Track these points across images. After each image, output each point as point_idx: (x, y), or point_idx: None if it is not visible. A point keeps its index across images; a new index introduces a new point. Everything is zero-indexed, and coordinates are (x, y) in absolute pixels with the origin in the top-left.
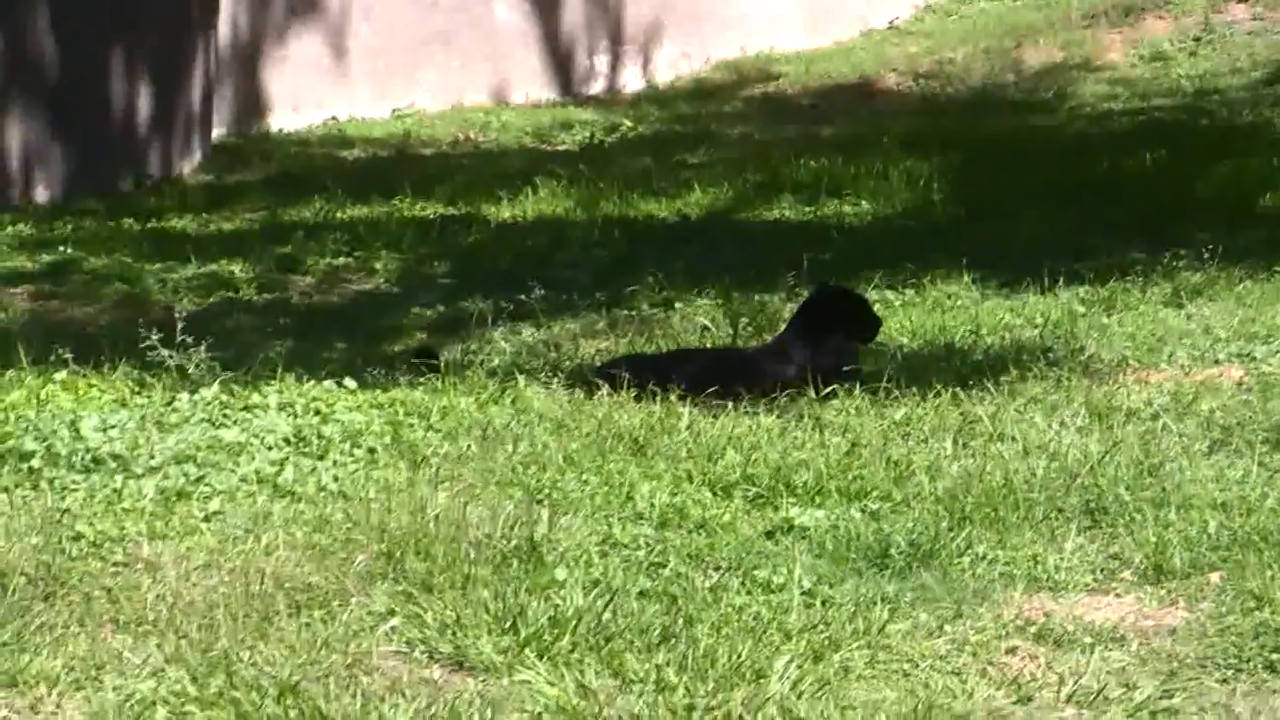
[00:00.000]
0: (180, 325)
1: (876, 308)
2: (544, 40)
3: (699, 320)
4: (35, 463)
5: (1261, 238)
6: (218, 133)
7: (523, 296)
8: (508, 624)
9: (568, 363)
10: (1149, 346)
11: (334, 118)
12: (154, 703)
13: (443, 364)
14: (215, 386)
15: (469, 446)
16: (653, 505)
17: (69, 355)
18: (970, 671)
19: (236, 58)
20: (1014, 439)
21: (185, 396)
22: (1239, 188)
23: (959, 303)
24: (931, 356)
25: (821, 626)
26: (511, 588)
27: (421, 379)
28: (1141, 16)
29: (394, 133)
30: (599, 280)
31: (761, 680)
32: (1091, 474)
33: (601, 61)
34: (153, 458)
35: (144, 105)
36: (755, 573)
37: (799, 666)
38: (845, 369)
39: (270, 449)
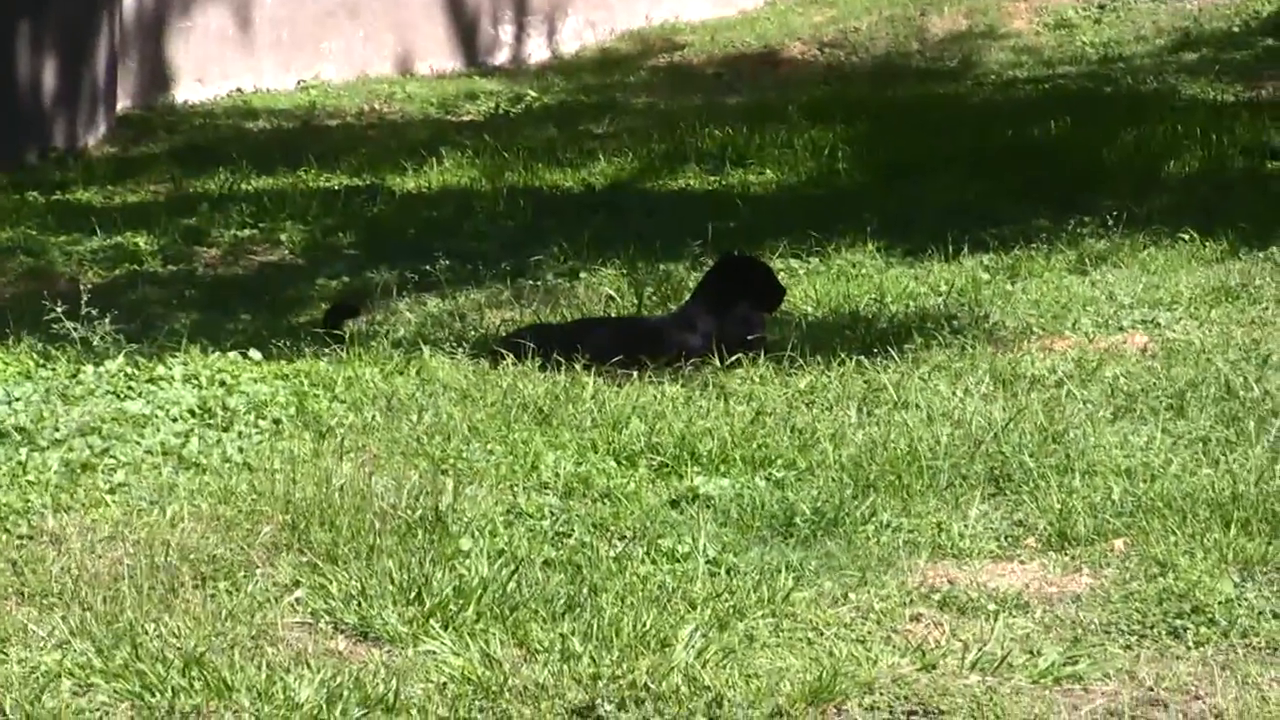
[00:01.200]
0: (85, 298)
1: (781, 276)
2: (449, 10)
3: (604, 290)
4: None
5: (1166, 204)
6: (123, 105)
7: (428, 267)
8: (413, 594)
9: (473, 333)
10: (1053, 314)
11: (239, 89)
12: (59, 675)
13: (347, 334)
14: (120, 359)
15: (374, 417)
16: (558, 475)
17: None
18: (875, 639)
19: (141, 29)
20: (918, 407)
21: (90, 369)
22: (1144, 155)
23: (864, 271)
24: (836, 325)
25: (726, 595)
26: (416, 558)
27: (329, 346)
28: None
29: (299, 104)
30: (504, 250)
31: (666, 649)
32: (996, 441)
33: (507, 32)
34: (57, 430)
35: (48, 78)
36: (660, 542)
37: (704, 635)
38: (750, 338)
39: (175, 421)
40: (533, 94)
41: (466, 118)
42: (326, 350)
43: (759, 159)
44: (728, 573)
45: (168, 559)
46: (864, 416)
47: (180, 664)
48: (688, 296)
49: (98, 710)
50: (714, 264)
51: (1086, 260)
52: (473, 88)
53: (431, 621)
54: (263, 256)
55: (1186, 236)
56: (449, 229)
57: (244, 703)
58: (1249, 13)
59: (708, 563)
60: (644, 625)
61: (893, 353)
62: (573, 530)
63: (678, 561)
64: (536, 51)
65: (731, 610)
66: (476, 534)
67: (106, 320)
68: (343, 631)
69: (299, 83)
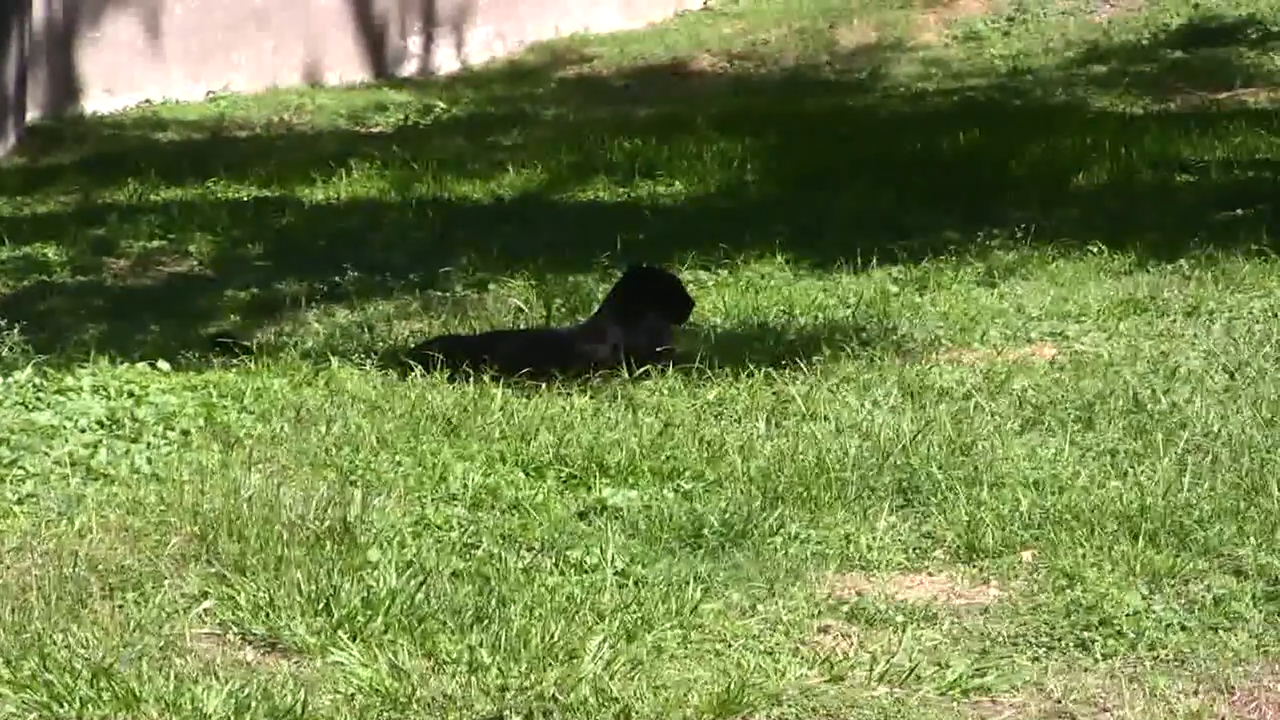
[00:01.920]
0: None
1: (690, 288)
2: (358, 21)
3: (513, 301)
4: None
5: (1075, 216)
6: (32, 116)
7: (337, 278)
8: (321, 605)
9: (382, 344)
10: (962, 326)
11: (148, 100)
12: None
13: (254, 345)
14: (29, 369)
15: (282, 428)
16: (466, 486)
17: None
18: (783, 650)
19: (51, 39)
20: (827, 418)
21: None
22: (1053, 167)
23: (772, 283)
24: (745, 336)
25: (634, 606)
26: (325, 569)
27: (234, 361)
28: None
29: (209, 115)
30: (414, 262)
31: (575, 660)
32: (904, 453)
33: (415, 43)
34: None
35: None
36: (568, 553)
37: (612, 646)
38: (659, 349)
39: (84, 431)
40: (442, 105)
41: (375, 129)
42: (235, 362)
43: (668, 170)
44: (636, 584)
45: (76, 570)
46: (772, 428)
47: (88, 675)
48: (596, 308)
49: None
50: (622, 275)
51: (995, 272)
52: (382, 99)
53: (340, 632)
54: (172, 267)
55: (1095, 249)
56: (358, 240)
57: (152, 713)
58: (1158, 25)
59: (616, 574)
60: (552, 636)
61: (801, 364)
62: (481, 541)
63: (586, 573)
64: (445, 63)
65: (640, 621)
66: (385, 545)
67: (15, 331)
68: (251, 642)
69: (208, 94)
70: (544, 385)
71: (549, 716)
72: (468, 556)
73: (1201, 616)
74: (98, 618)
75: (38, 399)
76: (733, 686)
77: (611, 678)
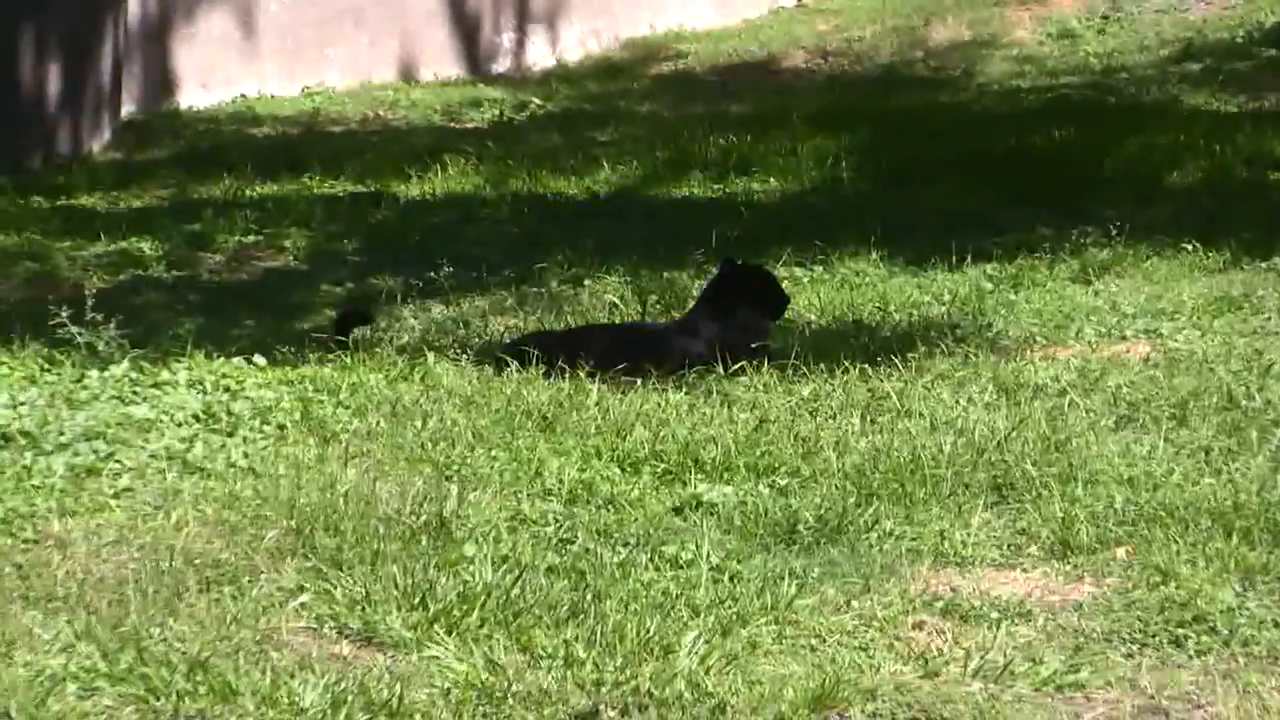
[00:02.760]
0: (90, 303)
1: (785, 284)
2: (452, 17)
3: (608, 297)
4: None
5: (1168, 214)
6: (127, 110)
7: (432, 274)
8: (417, 600)
9: (477, 340)
10: (1056, 323)
11: (243, 95)
12: (64, 678)
13: (351, 340)
14: (125, 363)
15: (378, 423)
16: (561, 481)
17: None
18: (877, 646)
19: (146, 35)
20: (921, 415)
21: (95, 374)
22: (1146, 165)
23: (867, 279)
24: (839, 333)
25: (729, 602)
26: (420, 564)
27: (333, 351)
28: None
29: (303, 110)
30: (508, 257)
31: (670, 655)
32: (998, 450)
33: (509, 39)
34: (62, 435)
35: (53, 84)
36: (663, 548)
37: (707, 642)
38: (753, 345)
39: (180, 425)
40: (536, 101)
41: (470, 125)
42: (331, 356)
43: (762, 167)
44: (731, 580)
45: (172, 564)
46: (867, 425)
47: (185, 668)
48: (691, 303)
49: (103, 714)
50: (717, 271)
51: (1089, 270)
52: (476, 95)
53: (435, 627)
54: (267, 262)
55: (1189, 246)
56: (452, 236)
57: (248, 707)
58: (1252, 24)
59: (711, 569)
60: (647, 631)
61: (896, 361)
62: (576, 536)
63: (681, 568)
64: (540, 59)
65: (735, 617)
66: (480, 540)
67: (111, 325)
68: (347, 636)
69: (303, 89)
70: (639, 381)
71: (644, 711)
72: (563, 552)
73: None
74: (194, 611)
75: (134, 393)
76: (827, 682)
77: (706, 673)
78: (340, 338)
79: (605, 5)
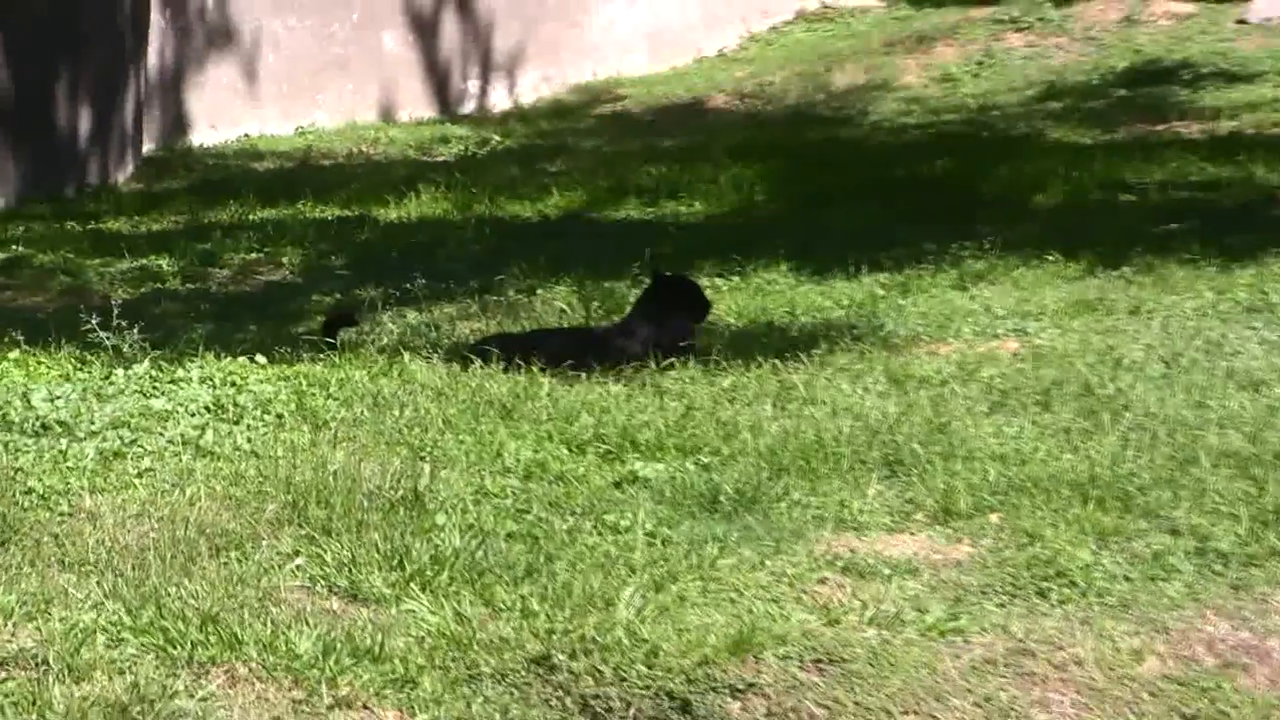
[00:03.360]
0: (116, 311)
1: (708, 292)
2: (425, 67)
3: (557, 304)
4: None
5: (1034, 231)
6: (147, 147)
7: (408, 285)
8: (395, 562)
9: (446, 341)
10: (938, 323)
11: (247, 134)
12: (94, 631)
13: (339, 342)
14: (146, 363)
15: (362, 412)
16: (518, 460)
17: (21, 337)
18: (787, 599)
19: (163, 82)
20: (824, 402)
21: (120, 372)
22: (1016, 189)
23: (777, 288)
24: (754, 333)
25: (661, 562)
26: (398, 531)
27: (324, 352)
28: (933, 44)
29: (298, 147)
30: (473, 271)
31: (611, 608)
32: (890, 431)
33: (474, 85)
34: (93, 424)
35: (84, 124)
36: (605, 517)
37: (643, 596)
38: (682, 344)
39: (193, 415)
40: (496, 138)
41: (440, 158)
42: (322, 356)
43: (689, 192)
44: (663, 543)
45: (187, 533)
46: (778, 411)
47: (198, 622)
48: (629, 309)
49: (127, 661)
50: (650, 282)
51: (967, 278)
52: (445, 133)
53: (412, 585)
54: (267, 276)
55: (1052, 258)
56: (426, 253)
57: (252, 654)
58: (1105, 68)
59: (646, 535)
60: (592, 588)
61: (803, 357)
62: (531, 507)
63: (620, 534)
64: (500, 102)
65: (666, 575)
66: (450, 511)
67: (134, 330)
68: (336, 594)
69: (297, 128)
70: (584, 376)
71: (589, 655)
72: (520, 520)
73: (1142, 569)
74: (205, 573)
75: (154, 388)
76: (745, 630)
77: (642, 622)
78: (329, 339)
79: (555, 55)
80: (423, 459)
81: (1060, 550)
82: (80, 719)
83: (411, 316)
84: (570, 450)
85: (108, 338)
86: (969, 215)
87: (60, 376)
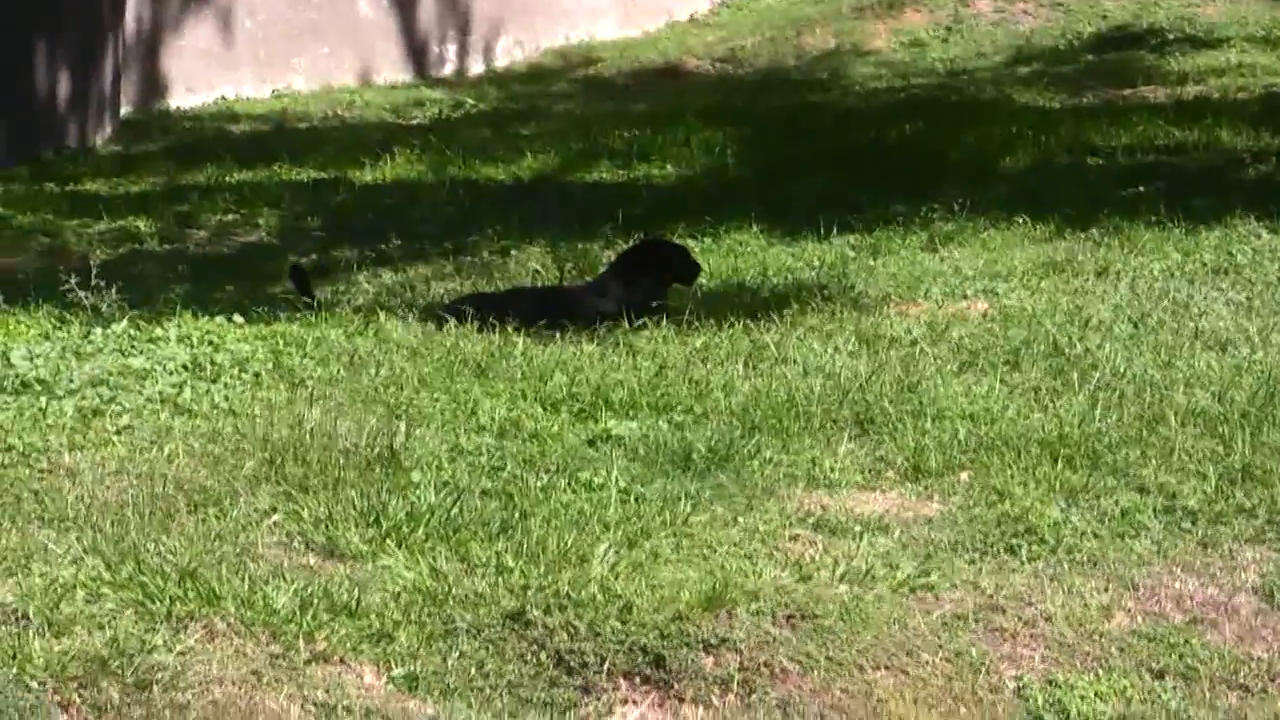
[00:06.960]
0: (95, 271)
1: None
2: (401, 31)
3: (531, 265)
4: None
5: (1003, 194)
6: (125, 110)
7: (383, 246)
8: (371, 518)
9: (421, 301)
10: (908, 284)
11: (223, 97)
12: (74, 586)
13: (315, 301)
14: (124, 322)
15: (339, 371)
16: (493, 419)
17: (0, 297)
18: (760, 555)
19: (141, 46)
20: (795, 362)
21: (99, 331)
22: (984, 152)
23: (749, 249)
24: (726, 294)
25: (635, 519)
26: (375, 488)
27: (298, 311)
28: (902, 9)
29: (274, 110)
30: (447, 232)
31: (585, 564)
32: (860, 390)
33: (450, 49)
34: (72, 382)
35: (63, 88)
36: (579, 474)
37: (616, 552)
38: (655, 305)
39: (171, 374)
40: (471, 101)
41: (415, 121)
42: (298, 315)
43: (661, 155)
44: (636, 500)
45: (165, 489)
46: (750, 370)
47: (176, 577)
48: (602, 270)
49: (107, 616)
50: (631, 244)
51: (936, 240)
52: (420, 96)
53: (388, 541)
54: (243, 237)
55: (1020, 220)
56: (400, 214)
57: (230, 609)
58: (1072, 33)
59: (619, 492)
60: (566, 544)
61: (774, 317)
62: (506, 465)
63: (594, 491)
64: (475, 66)
65: (639, 531)
66: (425, 468)
67: (113, 290)
68: (313, 550)
69: (273, 92)
70: (558, 335)
71: (564, 611)
72: (495, 477)
73: (1110, 526)
74: (184, 529)
75: (132, 346)
76: (718, 585)
77: (616, 578)
78: (306, 297)
79: (530, 21)
80: (398, 417)
81: (1029, 508)
82: (60, 673)
83: (387, 277)
84: (544, 408)
85: (86, 297)
86: (938, 178)
87: (39, 335)
